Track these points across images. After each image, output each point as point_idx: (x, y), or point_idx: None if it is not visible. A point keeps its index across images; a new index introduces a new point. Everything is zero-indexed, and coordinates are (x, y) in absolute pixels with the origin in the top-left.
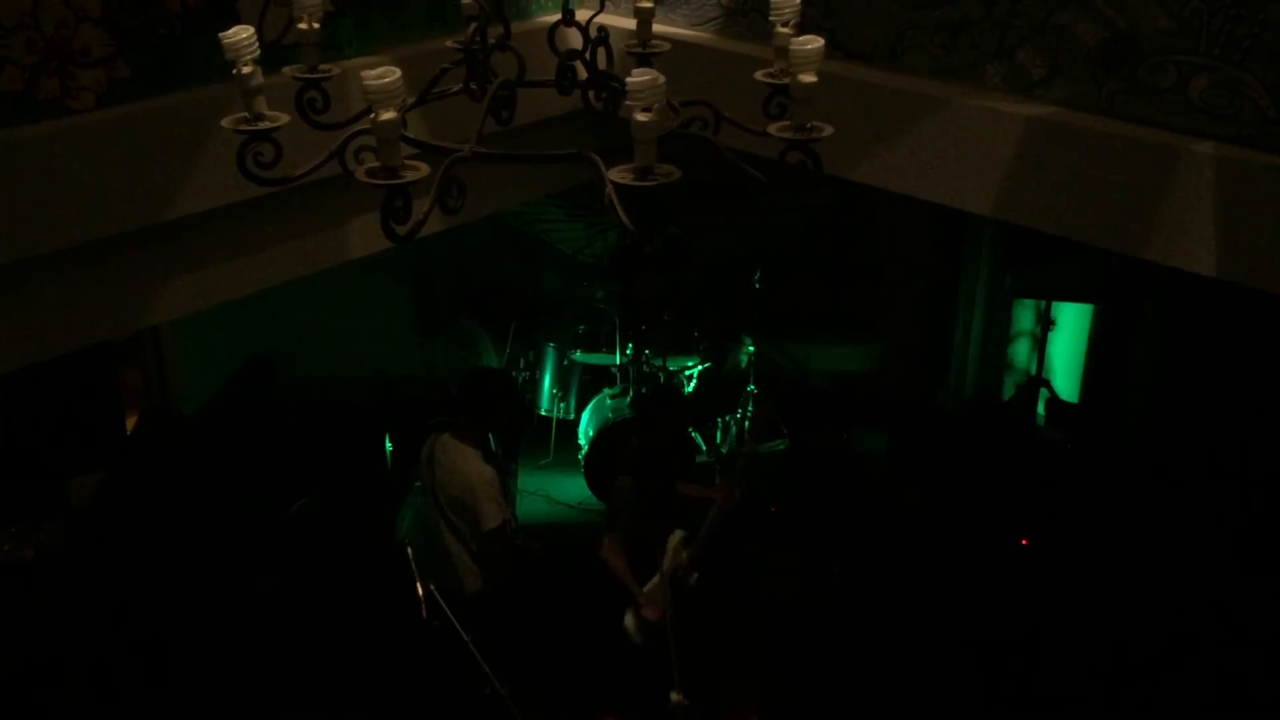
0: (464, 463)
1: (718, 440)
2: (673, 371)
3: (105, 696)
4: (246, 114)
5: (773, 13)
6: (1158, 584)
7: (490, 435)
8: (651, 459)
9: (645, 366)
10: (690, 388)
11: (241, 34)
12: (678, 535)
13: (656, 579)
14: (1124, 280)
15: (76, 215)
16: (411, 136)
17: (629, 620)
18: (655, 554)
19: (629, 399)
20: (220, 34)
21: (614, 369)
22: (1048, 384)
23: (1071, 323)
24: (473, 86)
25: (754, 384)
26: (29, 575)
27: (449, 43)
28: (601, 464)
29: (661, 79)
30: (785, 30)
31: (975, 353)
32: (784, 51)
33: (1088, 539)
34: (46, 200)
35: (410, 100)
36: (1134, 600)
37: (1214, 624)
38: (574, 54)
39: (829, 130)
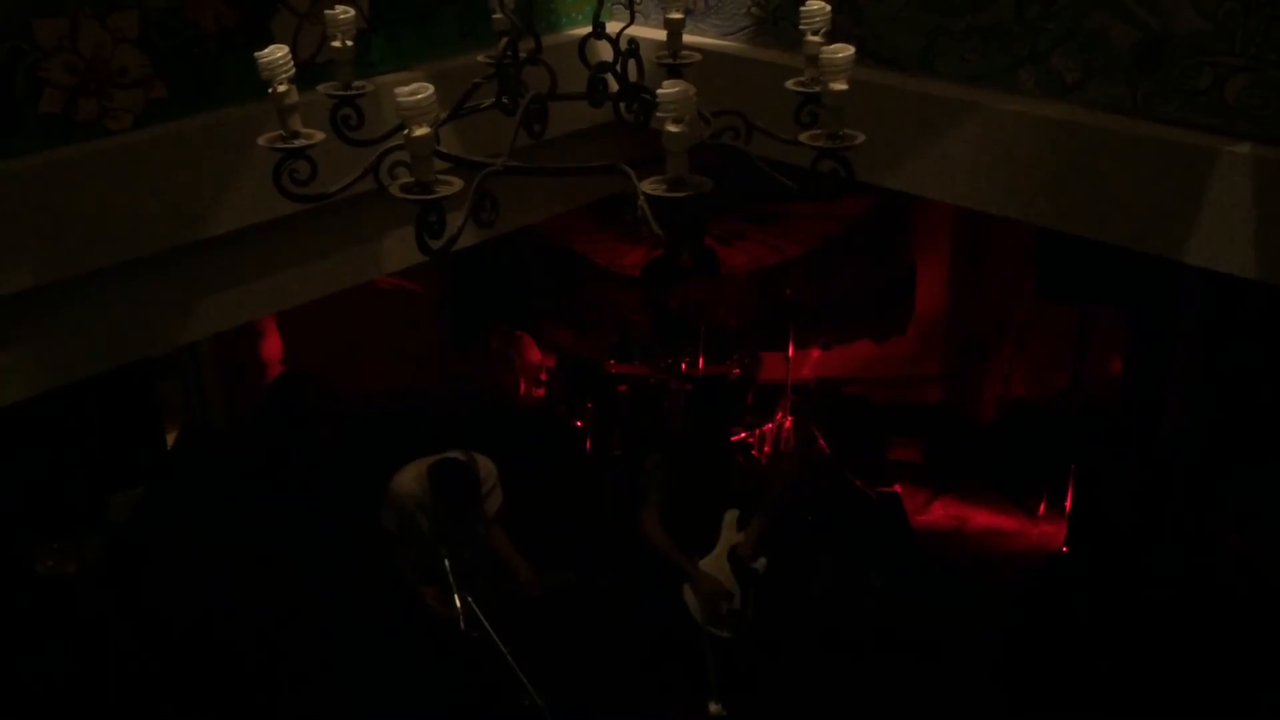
0: None
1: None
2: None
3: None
4: (282, 131)
5: (803, 21)
6: (1191, 591)
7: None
8: (696, 435)
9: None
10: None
11: (277, 53)
12: (732, 514)
13: (710, 556)
14: (1162, 284)
15: (115, 234)
16: (445, 151)
17: (688, 596)
18: (705, 532)
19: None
20: (255, 53)
21: (650, 380)
22: (1085, 390)
23: (1109, 327)
24: (504, 100)
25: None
26: (71, 591)
27: (480, 58)
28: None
29: (692, 90)
30: (815, 39)
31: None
32: (814, 60)
33: (1125, 547)
34: (86, 220)
35: (443, 115)
36: (1168, 608)
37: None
38: (605, 66)
39: (861, 138)
